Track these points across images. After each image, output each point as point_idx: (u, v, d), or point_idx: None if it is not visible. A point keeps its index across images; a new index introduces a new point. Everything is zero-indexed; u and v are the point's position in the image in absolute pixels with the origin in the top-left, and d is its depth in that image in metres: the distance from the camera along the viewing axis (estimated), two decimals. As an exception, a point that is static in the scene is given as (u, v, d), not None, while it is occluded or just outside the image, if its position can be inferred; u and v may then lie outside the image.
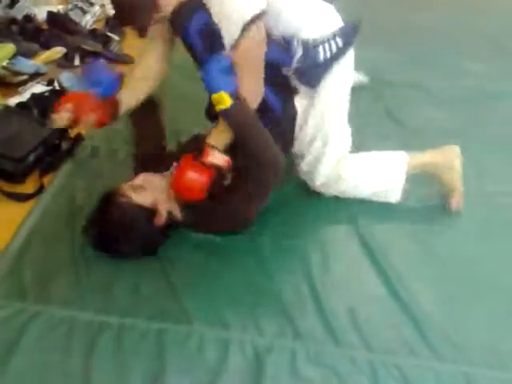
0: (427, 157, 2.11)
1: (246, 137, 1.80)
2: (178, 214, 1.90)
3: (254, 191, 1.87)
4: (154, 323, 1.69)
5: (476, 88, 3.02)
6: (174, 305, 1.74)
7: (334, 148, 2.04)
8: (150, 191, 1.86)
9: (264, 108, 1.87)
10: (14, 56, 2.86)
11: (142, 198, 1.84)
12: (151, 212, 1.85)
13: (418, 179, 2.13)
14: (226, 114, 1.75)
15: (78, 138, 2.50)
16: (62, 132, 2.47)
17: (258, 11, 1.72)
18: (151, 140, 2.16)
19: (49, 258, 1.90)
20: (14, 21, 3.43)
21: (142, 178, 1.90)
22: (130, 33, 3.59)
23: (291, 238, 1.94)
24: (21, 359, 1.58)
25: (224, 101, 1.73)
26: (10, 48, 2.68)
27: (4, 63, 2.83)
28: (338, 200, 2.14)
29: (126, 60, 3.23)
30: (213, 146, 1.79)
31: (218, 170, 1.78)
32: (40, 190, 2.23)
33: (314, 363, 1.59)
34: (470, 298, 1.80)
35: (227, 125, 1.77)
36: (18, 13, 3.52)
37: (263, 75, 1.81)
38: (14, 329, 1.66)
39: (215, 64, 1.74)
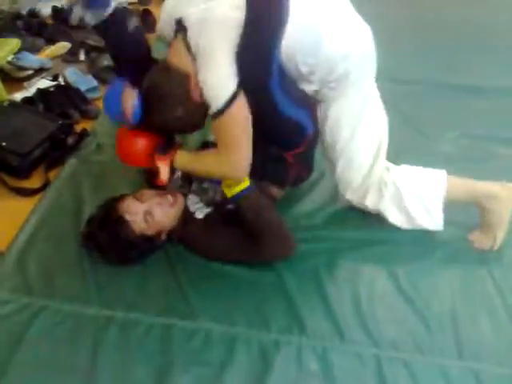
0: (469, 182, 1.92)
1: (258, 217, 1.78)
2: (175, 235, 1.91)
3: (256, 255, 1.84)
4: (159, 318, 1.69)
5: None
6: (180, 300, 1.75)
7: (362, 155, 1.90)
8: (157, 219, 1.82)
9: (300, 131, 1.83)
10: (19, 51, 2.86)
11: (150, 229, 1.81)
12: (152, 237, 1.84)
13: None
14: (240, 196, 1.77)
15: (83, 134, 2.50)
16: (68, 127, 2.47)
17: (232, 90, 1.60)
18: None
19: (54, 253, 1.91)
20: (18, 16, 3.43)
21: (155, 202, 1.84)
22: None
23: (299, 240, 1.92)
24: (26, 353, 1.59)
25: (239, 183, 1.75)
26: (14, 43, 2.68)
27: (9, 58, 2.83)
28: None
29: (131, 55, 3.21)
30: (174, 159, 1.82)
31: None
32: (45, 185, 2.23)
33: (320, 359, 1.59)
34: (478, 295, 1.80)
35: (243, 208, 1.78)
36: (23, 8, 3.52)
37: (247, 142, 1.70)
38: (20, 323, 1.66)
39: None
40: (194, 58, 1.65)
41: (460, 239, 1.97)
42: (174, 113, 1.70)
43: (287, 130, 1.80)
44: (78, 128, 2.53)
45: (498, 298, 1.77)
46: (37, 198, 2.17)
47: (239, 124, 1.66)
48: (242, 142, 1.68)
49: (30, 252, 1.90)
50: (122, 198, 1.85)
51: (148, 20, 3.59)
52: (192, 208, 1.91)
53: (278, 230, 1.79)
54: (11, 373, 1.54)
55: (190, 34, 1.65)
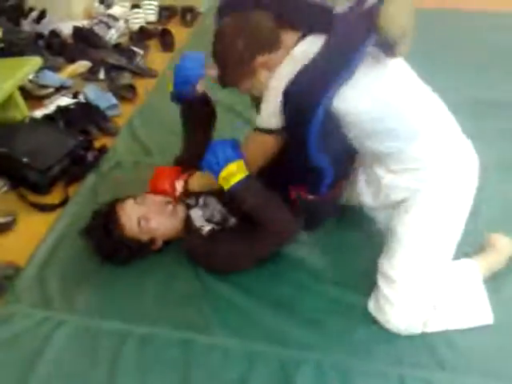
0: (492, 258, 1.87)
1: (254, 208, 1.76)
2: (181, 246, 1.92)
3: (257, 247, 1.82)
4: (178, 333, 1.68)
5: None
6: (198, 315, 1.74)
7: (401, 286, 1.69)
8: (152, 226, 1.85)
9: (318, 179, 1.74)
10: (40, 70, 2.90)
11: (143, 235, 1.85)
12: (145, 243, 1.87)
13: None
14: (236, 188, 1.73)
15: (103, 150, 2.52)
16: (87, 144, 2.50)
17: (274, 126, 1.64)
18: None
19: (74, 268, 1.92)
20: (40, 36, 3.49)
21: (154, 208, 1.88)
22: (153, 47, 3.63)
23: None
24: (46, 368, 1.59)
25: (234, 174, 1.71)
26: (36, 61, 2.72)
27: (30, 76, 2.87)
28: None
29: (150, 74, 3.25)
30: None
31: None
32: (65, 200, 2.25)
33: (341, 376, 1.57)
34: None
35: (239, 200, 1.75)
36: (45, 28, 3.58)
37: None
38: (40, 337, 1.67)
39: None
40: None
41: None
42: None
43: (305, 170, 1.73)
44: (98, 145, 2.56)
45: None
46: (56, 213, 2.19)
47: (263, 149, 1.72)
48: (256, 160, 1.74)
49: (49, 267, 1.91)
50: (124, 198, 1.89)
51: (167, 40, 3.64)
52: (197, 223, 1.90)
53: (279, 211, 1.76)
54: (31, 387, 1.54)
55: None
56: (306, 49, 1.58)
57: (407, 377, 1.57)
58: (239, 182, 1.71)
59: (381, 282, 1.72)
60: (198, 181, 1.93)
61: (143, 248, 1.88)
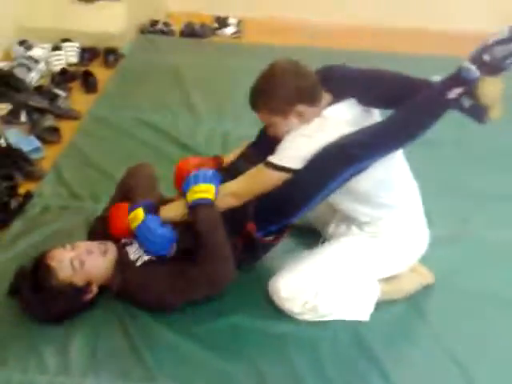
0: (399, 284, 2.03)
1: (208, 233, 1.78)
2: (113, 288, 1.87)
3: (189, 285, 1.81)
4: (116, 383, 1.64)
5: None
6: (136, 363, 1.70)
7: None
8: (87, 268, 1.80)
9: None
10: (-43, 114, 2.81)
11: (78, 278, 1.79)
12: (80, 288, 1.81)
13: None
14: (199, 202, 1.79)
15: (28, 196, 2.45)
16: (11, 190, 2.42)
17: (293, 167, 1.76)
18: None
19: (2, 322, 1.83)
20: (-44, 78, 3.37)
21: (84, 250, 1.84)
22: (75, 89, 3.58)
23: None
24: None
25: (203, 192, 1.79)
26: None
27: None
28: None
29: (74, 115, 3.20)
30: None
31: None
32: (-11, 249, 2.15)
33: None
34: None
35: (195, 216, 1.80)
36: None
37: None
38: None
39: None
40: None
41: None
42: None
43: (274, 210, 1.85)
44: (22, 190, 2.48)
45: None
46: (-20, 263, 2.09)
47: (267, 183, 1.79)
48: (256, 190, 1.81)
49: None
50: (50, 249, 1.83)
51: (89, 81, 3.60)
52: (132, 256, 1.88)
53: (223, 249, 1.78)
54: None
55: None
56: (338, 112, 1.81)
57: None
58: (204, 200, 1.77)
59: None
60: (174, 210, 1.91)
61: (78, 295, 1.80)
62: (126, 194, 2.05)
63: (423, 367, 1.77)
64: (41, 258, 1.80)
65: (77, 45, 3.95)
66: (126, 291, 1.86)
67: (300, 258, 1.98)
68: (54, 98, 3.27)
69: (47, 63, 3.78)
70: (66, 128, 3.07)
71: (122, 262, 1.87)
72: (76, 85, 3.64)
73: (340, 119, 1.80)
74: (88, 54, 3.98)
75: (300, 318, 1.88)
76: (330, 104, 1.82)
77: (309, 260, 1.95)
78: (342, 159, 1.72)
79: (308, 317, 1.88)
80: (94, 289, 1.84)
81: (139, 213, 1.83)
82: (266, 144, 1.92)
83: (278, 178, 1.77)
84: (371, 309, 1.94)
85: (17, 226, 2.29)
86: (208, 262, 1.77)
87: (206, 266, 1.77)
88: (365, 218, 1.92)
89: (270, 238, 1.92)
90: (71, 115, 3.21)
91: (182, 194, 1.87)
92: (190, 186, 1.81)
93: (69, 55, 3.89)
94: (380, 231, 1.93)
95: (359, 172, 1.74)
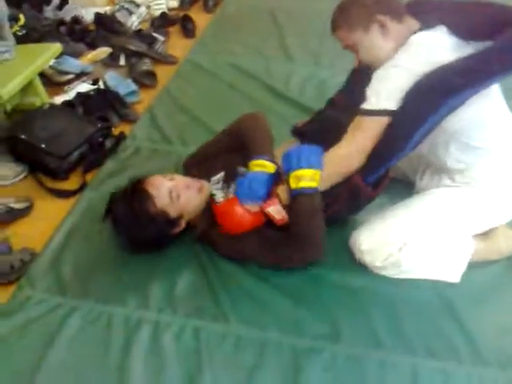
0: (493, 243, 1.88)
1: (306, 223, 1.72)
2: (198, 229, 1.88)
3: (279, 255, 1.79)
4: (190, 320, 1.67)
5: None
6: (211, 303, 1.73)
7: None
8: (182, 201, 1.81)
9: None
10: (60, 56, 2.91)
11: (173, 209, 1.80)
12: (173, 220, 1.82)
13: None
14: (303, 192, 1.70)
15: (121, 137, 2.52)
16: (106, 130, 2.49)
17: (392, 107, 1.63)
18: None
19: (88, 255, 1.92)
20: (62, 22, 3.50)
21: (183, 183, 1.85)
22: (174, 33, 3.62)
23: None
24: (59, 352, 1.60)
25: (308, 179, 1.69)
26: (56, 48, 2.71)
27: (51, 63, 2.87)
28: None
29: (170, 60, 3.24)
30: (279, 197, 1.78)
31: (268, 220, 1.78)
32: (82, 186, 2.25)
33: (354, 366, 1.55)
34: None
35: (296, 205, 1.72)
36: (67, 14, 3.59)
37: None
38: (54, 323, 1.68)
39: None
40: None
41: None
42: None
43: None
44: (117, 131, 2.56)
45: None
46: (74, 199, 2.19)
47: (375, 134, 1.66)
48: (363, 144, 1.68)
49: (64, 252, 1.92)
50: (150, 175, 1.85)
51: (188, 26, 3.61)
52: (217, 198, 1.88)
53: (317, 236, 1.74)
54: (44, 371, 1.54)
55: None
56: (431, 38, 1.62)
57: (421, 367, 1.54)
58: (309, 189, 1.69)
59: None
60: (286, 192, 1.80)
61: (169, 226, 1.82)
62: (236, 140, 2.00)
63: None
64: (140, 183, 1.81)
65: (178, -11, 3.97)
66: (210, 238, 1.87)
67: (387, 210, 1.86)
68: (152, 42, 3.32)
69: (148, 7, 3.84)
70: (163, 72, 3.11)
71: (209, 216, 1.86)
72: (175, 29, 3.68)
73: (434, 45, 1.61)
74: (188, -2, 3.99)
75: (382, 272, 1.80)
76: (419, 30, 1.66)
77: (395, 211, 1.83)
78: (443, 89, 1.57)
79: (391, 272, 1.79)
80: (183, 224, 1.86)
81: (269, 166, 1.81)
82: (354, 88, 1.81)
83: (381, 124, 1.64)
84: (462, 270, 1.81)
85: (109, 165, 2.37)
86: (299, 250, 1.74)
87: (298, 251, 1.75)
88: (457, 164, 1.77)
89: (370, 189, 1.79)
90: (168, 60, 3.25)
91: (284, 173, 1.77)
92: (293, 168, 1.71)
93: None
94: (474, 179, 1.77)
95: (458, 105, 1.59)
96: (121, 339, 1.63)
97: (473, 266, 1.82)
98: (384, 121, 1.64)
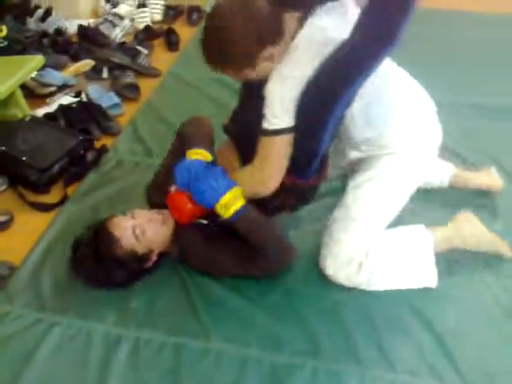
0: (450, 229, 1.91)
1: (254, 235, 1.73)
2: (175, 254, 1.88)
3: (249, 267, 1.80)
4: (171, 337, 1.66)
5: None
6: (191, 319, 1.72)
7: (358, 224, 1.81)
8: (148, 236, 1.76)
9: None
10: (43, 68, 2.88)
11: (140, 246, 1.75)
12: (142, 256, 1.78)
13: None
14: (239, 215, 1.70)
15: (103, 150, 2.51)
16: (88, 143, 2.48)
17: (289, 124, 1.62)
18: None
19: (64, 270, 1.87)
20: (45, 34, 3.48)
21: (145, 219, 1.80)
22: (157, 46, 3.62)
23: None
24: (37, 370, 1.58)
25: (234, 202, 1.69)
26: (38, 60, 2.70)
27: (33, 75, 2.86)
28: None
29: (154, 73, 3.23)
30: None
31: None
32: (63, 200, 2.23)
33: (334, 381, 1.55)
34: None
35: (240, 227, 1.73)
36: (50, 26, 3.58)
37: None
38: (32, 339, 1.66)
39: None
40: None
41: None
42: None
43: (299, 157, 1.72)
44: (99, 144, 2.55)
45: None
46: (54, 213, 2.17)
47: (284, 150, 1.66)
48: (277, 165, 1.68)
49: (44, 267, 1.90)
50: (110, 216, 1.81)
51: (172, 39, 3.62)
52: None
53: (275, 245, 1.75)
54: (20, 389, 1.52)
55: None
56: (307, 35, 1.57)
57: (400, 382, 1.54)
58: (240, 209, 1.69)
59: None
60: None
61: (141, 264, 1.79)
62: (182, 143, 1.96)
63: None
64: (102, 226, 1.77)
65: (162, 2, 3.99)
66: (190, 256, 1.86)
67: (333, 223, 1.83)
68: (136, 55, 3.31)
69: (132, 20, 3.84)
70: (146, 85, 3.10)
71: (178, 230, 1.84)
72: (159, 42, 3.67)
73: (313, 42, 1.56)
74: (172, 11, 4.00)
75: (362, 287, 1.80)
76: (299, 23, 1.58)
77: (342, 224, 1.81)
78: (338, 82, 1.56)
79: (366, 286, 1.80)
80: (154, 256, 1.82)
81: (206, 155, 1.81)
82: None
83: (288, 139, 1.64)
84: (434, 271, 1.81)
85: (90, 178, 2.35)
86: (268, 260, 1.76)
87: (267, 261, 1.76)
88: (365, 134, 1.79)
89: (312, 178, 1.82)
90: (151, 73, 3.25)
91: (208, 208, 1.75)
92: (215, 201, 1.68)
93: (153, 12, 3.94)
94: (390, 144, 1.79)
95: (356, 91, 1.60)
96: (100, 356, 1.61)
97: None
98: (290, 136, 1.64)
